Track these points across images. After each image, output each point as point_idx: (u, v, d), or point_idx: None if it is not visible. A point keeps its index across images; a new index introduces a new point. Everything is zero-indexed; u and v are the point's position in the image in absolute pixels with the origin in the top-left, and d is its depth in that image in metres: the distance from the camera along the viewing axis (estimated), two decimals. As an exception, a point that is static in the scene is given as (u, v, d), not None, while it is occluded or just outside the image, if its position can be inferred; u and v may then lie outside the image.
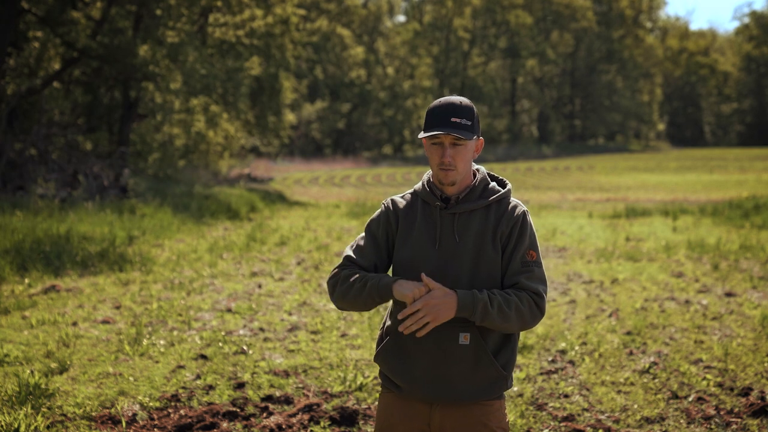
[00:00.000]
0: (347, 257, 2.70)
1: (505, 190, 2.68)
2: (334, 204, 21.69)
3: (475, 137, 2.61)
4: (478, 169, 2.71)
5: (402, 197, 2.73)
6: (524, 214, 2.62)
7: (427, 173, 2.73)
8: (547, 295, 2.59)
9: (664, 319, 7.26)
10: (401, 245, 2.63)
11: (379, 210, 2.73)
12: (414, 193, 2.72)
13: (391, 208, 2.70)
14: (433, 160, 2.60)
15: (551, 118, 71.39)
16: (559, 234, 14.00)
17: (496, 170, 44.50)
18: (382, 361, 2.69)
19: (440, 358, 2.57)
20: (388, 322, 2.72)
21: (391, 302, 2.70)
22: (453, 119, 2.55)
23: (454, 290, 2.49)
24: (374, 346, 6.33)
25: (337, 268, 2.70)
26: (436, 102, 2.62)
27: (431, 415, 2.62)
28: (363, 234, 2.75)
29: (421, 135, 2.59)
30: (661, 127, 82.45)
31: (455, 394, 2.58)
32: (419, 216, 2.64)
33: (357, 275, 2.62)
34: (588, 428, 4.60)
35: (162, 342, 6.34)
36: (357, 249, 2.70)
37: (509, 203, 2.65)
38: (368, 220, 2.75)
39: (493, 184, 2.70)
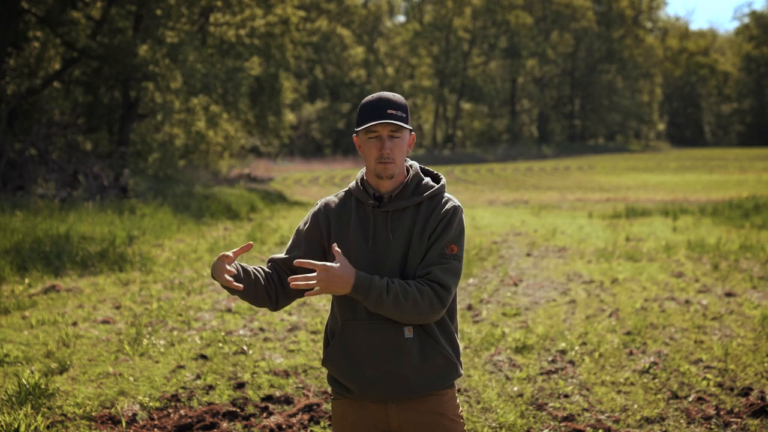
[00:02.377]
0: (268, 259, 2.75)
1: (439, 185, 2.67)
2: (334, 204, 21.65)
3: (410, 130, 2.62)
4: (411, 165, 2.71)
5: (336, 196, 2.74)
6: (454, 209, 2.60)
7: (361, 171, 2.72)
8: (456, 288, 2.57)
9: (664, 319, 7.26)
10: (337, 245, 2.62)
11: (310, 211, 2.74)
12: (348, 192, 2.72)
13: (322, 210, 2.71)
14: (370, 155, 2.59)
15: (551, 118, 71.39)
16: (559, 234, 14.00)
17: (496, 170, 44.19)
18: (331, 365, 2.67)
19: (388, 354, 2.57)
20: (330, 323, 2.72)
21: (331, 304, 2.70)
22: (389, 111, 2.56)
23: (355, 270, 2.48)
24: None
25: None
26: (369, 97, 2.63)
27: (388, 415, 2.62)
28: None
29: (359, 128, 2.59)
30: (661, 127, 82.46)
31: (409, 388, 2.58)
32: (353, 215, 2.65)
33: None
34: (588, 428, 4.60)
35: (162, 342, 6.34)
36: (286, 248, 2.76)
37: (442, 199, 2.64)
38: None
39: (427, 179, 2.68)
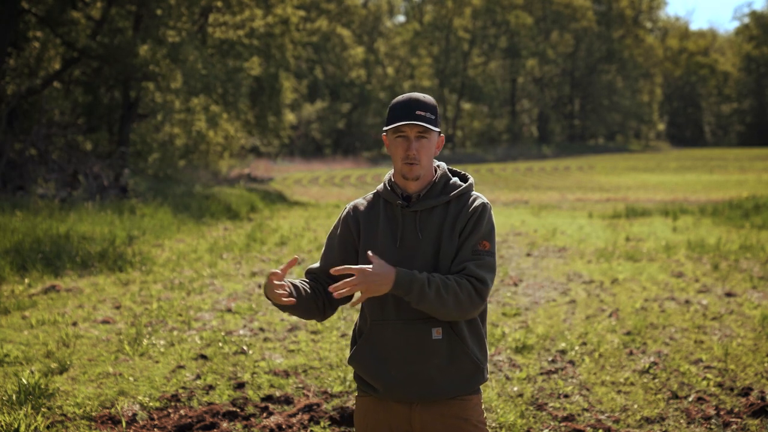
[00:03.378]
0: (306, 271, 2.76)
1: (467, 184, 2.68)
2: (334, 204, 21.70)
3: (438, 132, 2.63)
4: (438, 166, 2.72)
5: (364, 199, 2.76)
6: (483, 206, 2.62)
7: (389, 173, 2.74)
8: (492, 285, 2.58)
9: (664, 319, 7.26)
10: (365, 247, 2.63)
11: (340, 216, 2.75)
12: (376, 194, 2.73)
13: (351, 213, 2.72)
14: (397, 155, 2.61)
15: (551, 118, 71.39)
16: (559, 234, 13.99)
17: (496, 170, 44.29)
18: (356, 364, 2.68)
19: (415, 355, 2.57)
20: (359, 323, 2.73)
21: (360, 303, 2.70)
22: (418, 112, 2.57)
23: (395, 267, 2.49)
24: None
25: None
26: (399, 97, 2.64)
27: (411, 416, 2.62)
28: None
29: (387, 128, 2.61)
30: (661, 127, 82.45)
31: (434, 390, 2.58)
32: (381, 216, 2.66)
33: None
34: (588, 428, 4.60)
35: (162, 342, 6.34)
36: (320, 256, 2.77)
37: (470, 197, 2.65)
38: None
39: (454, 179, 2.70)
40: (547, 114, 71.14)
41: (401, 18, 68.51)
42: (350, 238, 2.69)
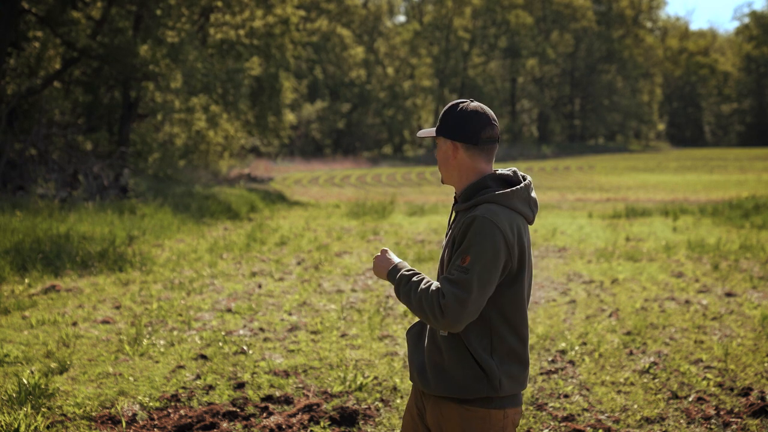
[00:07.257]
0: None
1: (485, 195, 2.54)
2: (334, 204, 21.69)
3: (442, 137, 2.61)
4: (488, 173, 2.63)
5: None
6: (473, 219, 2.46)
7: None
8: (458, 302, 2.39)
9: (664, 319, 7.26)
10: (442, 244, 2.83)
11: None
12: None
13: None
14: None
15: (551, 118, 71.41)
16: (559, 234, 13.99)
17: (496, 170, 44.70)
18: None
19: (421, 348, 2.67)
20: None
21: None
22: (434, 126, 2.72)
23: (398, 261, 2.67)
24: (373, 346, 6.34)
25: None
26: None
27: (425, 406, 2.68)
28: None
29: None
30: (661, 127, 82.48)
31: (428, 384, 2.60)
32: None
33: None
34: (588, 428, 4.60)
35: (162, 342, 6.34)
36: None
37: (477, 208, 2.52)
38: None
39: (490, 186, 2.58)
40: (547, 114, 71.16)
41: (401, 18, 68.58)
42: None
